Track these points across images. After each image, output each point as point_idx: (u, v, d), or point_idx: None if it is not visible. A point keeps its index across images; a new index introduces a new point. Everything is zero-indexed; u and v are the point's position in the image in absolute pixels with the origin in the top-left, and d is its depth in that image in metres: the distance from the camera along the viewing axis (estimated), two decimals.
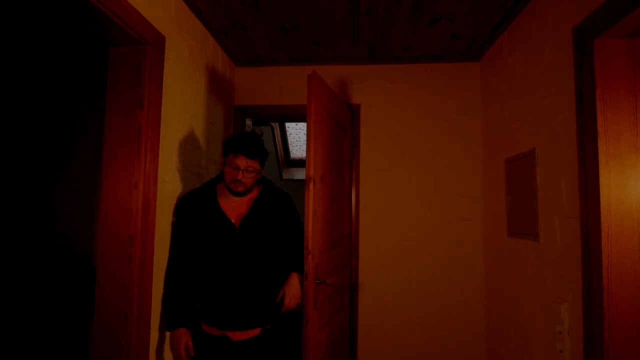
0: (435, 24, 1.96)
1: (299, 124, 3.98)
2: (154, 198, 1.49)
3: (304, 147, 4.26)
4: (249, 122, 2.62)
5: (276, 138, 3.97)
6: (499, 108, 2.08)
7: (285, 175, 4.32)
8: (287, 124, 3.97)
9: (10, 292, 2.08)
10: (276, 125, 3.87)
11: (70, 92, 2.18)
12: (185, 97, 1.81)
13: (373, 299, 2.40)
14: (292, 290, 1.56)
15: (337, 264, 2.08)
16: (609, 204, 1.17)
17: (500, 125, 2.07)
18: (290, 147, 4.26)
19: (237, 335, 1.49)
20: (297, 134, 4.13)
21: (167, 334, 1.58)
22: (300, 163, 4.41)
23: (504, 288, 2.00)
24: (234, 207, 1.57)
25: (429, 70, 2.47)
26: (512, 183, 1.89)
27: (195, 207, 1.57)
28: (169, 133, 1.65)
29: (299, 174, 4.36)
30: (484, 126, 2.36)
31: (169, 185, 1.65)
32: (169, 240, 1.63)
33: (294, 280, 1.59)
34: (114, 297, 1.40)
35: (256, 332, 1.51)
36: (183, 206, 1.59)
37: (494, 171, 2.17)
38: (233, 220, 1.54)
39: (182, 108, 1.78)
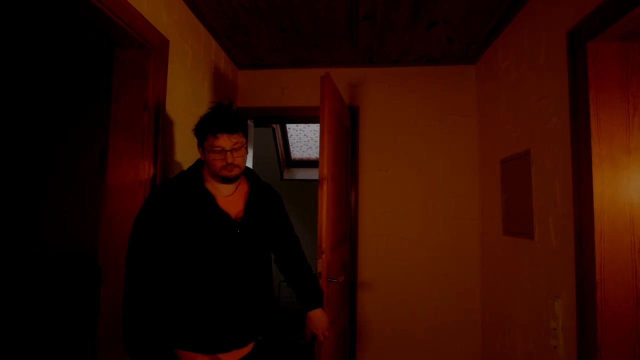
0: (433, 28, 2.00)
1: (299, 125, 4.02)
2: None
3: (305, 147, 4.29)
4: (250, 123, 2.66)
5: (277, 139, 4.01)
6: (495, 110, 2.11)
7: (286, 176, 4.35)
8: (288, 125, 4.00)
9: (18, 290, 2.11)
10: (277, 127, 3.91)
11: (76, 93, 2.22)
12: (188, 99, 1.85)
13: (371, 296, 2.43)
14: (322, 326, 1.48)
15: (341, 262, 2.11)
16: (602, 204, 1.20)
17: (495, 126, 2.10)
18: (291, 148, 4.30)
19: (232, 356, 1.24)
20: (297, 135, 4.16)
21: None
22: (300, 163, 4.44)
23: (499, 285, 2.03)
24: (228, 204, 1.30)
25: (427, 73, 2.50)
26: (507, 183, 1.92)
27: (177, 205, 1.24)
28: (173, 134, 1.69)
29: (300, 174, 4.40)
30: (479, 127, 2.39)
31: None
32: None
33: (321, 315, 1.49)
34: (119, 295, 1.43)
35: (249, 348, 1.29)
36: (158, 206, 1.25)
37: (489, 171, 2.20)
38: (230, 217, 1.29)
39: (185, 110, 1.81)
